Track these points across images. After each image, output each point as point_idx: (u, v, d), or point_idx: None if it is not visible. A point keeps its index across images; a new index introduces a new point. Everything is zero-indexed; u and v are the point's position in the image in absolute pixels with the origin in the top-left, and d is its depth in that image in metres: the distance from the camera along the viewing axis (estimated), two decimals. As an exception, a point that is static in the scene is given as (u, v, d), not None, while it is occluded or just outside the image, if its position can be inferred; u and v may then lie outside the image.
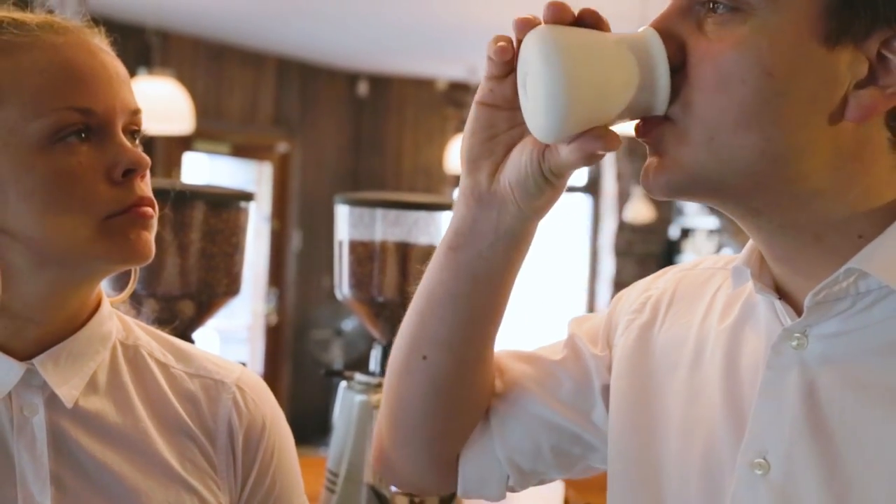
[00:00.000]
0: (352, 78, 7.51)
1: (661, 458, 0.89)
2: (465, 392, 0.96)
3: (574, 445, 0.99)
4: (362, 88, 7.55)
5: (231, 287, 1.60)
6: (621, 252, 7.82)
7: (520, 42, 0.80)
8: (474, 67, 6.40)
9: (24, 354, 0.93)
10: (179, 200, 1.47)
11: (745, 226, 0.82)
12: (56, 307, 0.94)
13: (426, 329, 0.93)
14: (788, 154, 0.76)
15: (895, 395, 0.76)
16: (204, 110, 5.76)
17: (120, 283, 1.11)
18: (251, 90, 6.82)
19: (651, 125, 0.80)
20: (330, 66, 7.23)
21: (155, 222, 0.94)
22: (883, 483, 0.75)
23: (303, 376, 7.03)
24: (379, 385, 1.64)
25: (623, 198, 7.58)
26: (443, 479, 1.00)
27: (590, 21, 0.80)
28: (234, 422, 1.02)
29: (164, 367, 1.02)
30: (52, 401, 0.94)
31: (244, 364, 1.11)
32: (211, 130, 6.41)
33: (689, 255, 7.41)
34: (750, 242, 0.87)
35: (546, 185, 0.84)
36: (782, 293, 0.83)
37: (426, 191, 7.37)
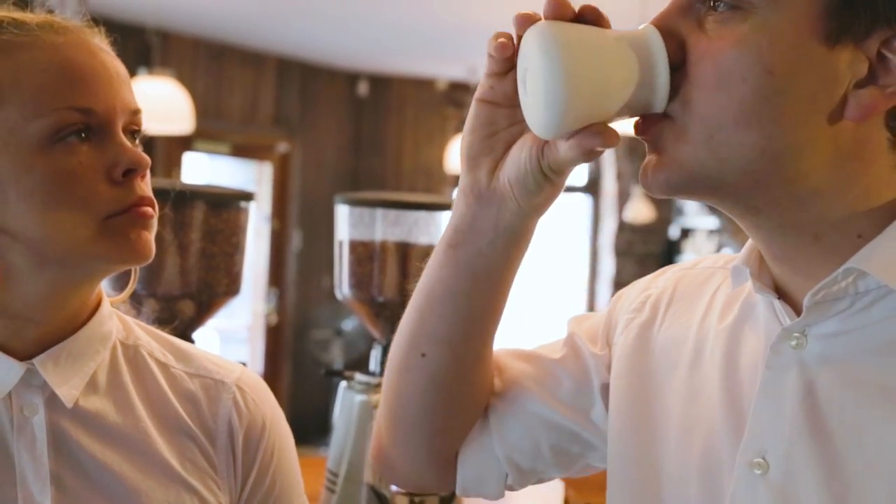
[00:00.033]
0: (352, 78, 7.51)
1: (660, 457, 0.89)
2: (464, 390, 0.96)
3: (573, 444, 0.99)
4: (362, 88, 7.55)
5: (231, 287, 1.60)
6: (621, 252, 7.82)
7: (520, 38, 0.80)
8: (474, 67, 6.40)
9: (24, 354, 0.93)
10: (179, 200, 1.48)
11: (744, 225, 0.82)
12: (56, 307, 0.94)
13: (425, 326, 0.93)
14: (788, 153, 0.76)
15: (894, 394, 0.76)
16: (204, 110, 5.77)
17: (120, 283, 1.11)
18: (251, 90, 6.82)
19: (650, 123, 0.80)
20: (330, 66, 7.23)
21: (155, 222, 0.94)
22: (882, 482, 0.75)
23: (303, 376, 7.03)
24: (379, 385, 1.64)
25: (623, 198, 7.57)
26: (441, 476, 1.00)
27: (590, 17, 0.80)
28: (234, 422, 1.02)
29: (164, 366, 1.02)
30: (52, 401, 0.94)
31: (244, 364, 1.11)
32: (211, 130, 6.41)
33: (689, 255, 7.41)
34: (749, 242, 0.87)
35: (545, 182, 0.84)
36: (781, 293, 0.83)
37: (426, 191, 7.37)
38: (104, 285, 1.01)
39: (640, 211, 7.16)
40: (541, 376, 0.98)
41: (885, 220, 0.77)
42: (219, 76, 6.57)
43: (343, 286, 1.78)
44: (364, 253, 1.74)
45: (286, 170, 7.09)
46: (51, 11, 0.96)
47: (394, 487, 1.53)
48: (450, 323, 0.92)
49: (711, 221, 7.43)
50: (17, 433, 0.92)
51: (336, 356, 6.81)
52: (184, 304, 1.56)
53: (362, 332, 6.42)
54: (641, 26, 0.79)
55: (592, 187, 8.10)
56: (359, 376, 1.72)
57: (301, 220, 7.13)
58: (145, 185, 0.94)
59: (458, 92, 7.34)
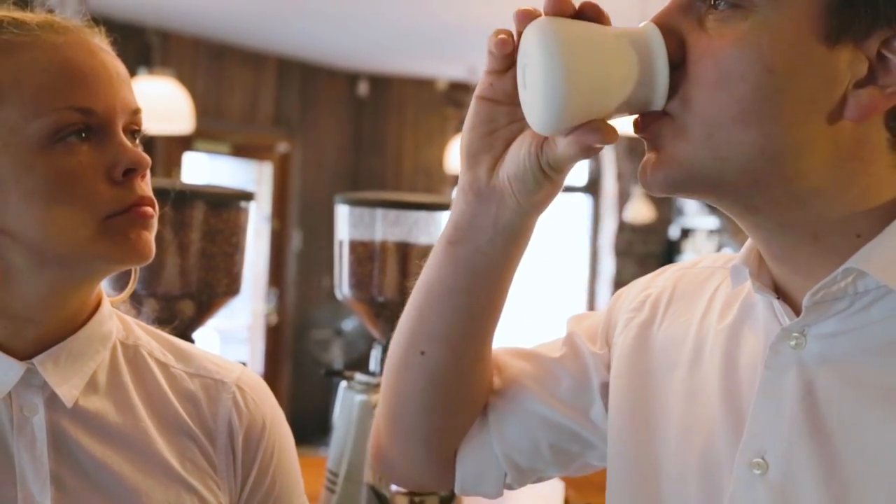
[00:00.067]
0: (352, 78, 7.51)
1: (659, 456, 0.89)
2: (463, 388, 0.96)
3: (572, 443, 0.99)
4: (362, 88, 7.55)
5: (231, 287, 1.60)
6: (621, 252, 7.82)
7: (520, 35, 0.80)
8: (474, 67, 6.40)
9: (24, 354, 0.93)
10: (179, 200, 1.48)
11: (743, 224, 0.82)
12: (56, 307, 0.94)
13: (424, 324, 0.93)
14: (787, 152, 0.76)
15: (893, 394, 0.76)
16: (204, 110, 5.77)
17: (120, 283, 1.11)
18: (251, 90, 6.82)
19: (649, 120, 0.80)
20: (330, 66, 7.23)
21: (155, 222, 0.94)
22: (882, 483, 0.75)
23: (303, 376, 7.03)
24: (379, 385, 1.64)
25: (623, 198, 7.57)
26: (440, 475, 1.00)
27: (590, 14, 0.80)
28: (234, 422, 1.02)
29: (164, 366, 1.02)
30: (52, 400, 0.94)
31: (244, 364, 1.11)
32: (211, 130, 6.41)
33: (690, 256, 7.40)
34: (748, 241, 0.87)
35: (544, 179, 0.84)
36: (781, 292, 0.83)
37: (426, 191, 7.37)
38: (104, 285, 1.01)
39: (641, 211, 7.16)
40: (540, 375, 0.98)
41: (884, 220, 0.77)
42: (219, 76, 6.57)
43: (343, 286, 1.78)
44: (364, 253, 1.74)
45: (286, 170, 7.09)
46: (51, 11, 0.96)
47: (394, 487, 1.53)
48: (449, 321, 0.92)
49: (711, 221, 7.43)
50: (17, 433, 0.92)
51: (336, 356, 6.81)
52: (184, 304, 1.56)
53: (362, 332, 6.42)
54: (642, 24, 0.80)
55: (592, 187, 8.10)
56: (359, 376, 1.72)
57: (301, 220, 7.13)
58: (145, 185, 0.94)
59: (458, 92, 7.34)
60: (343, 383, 1.74)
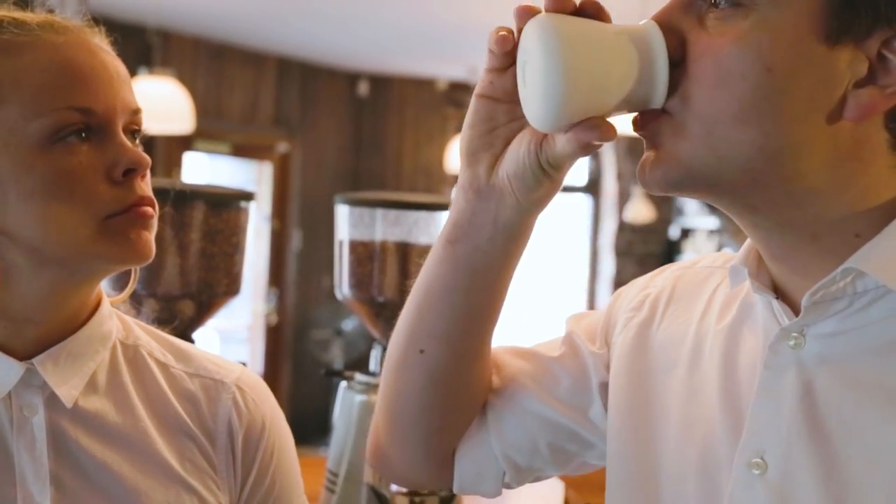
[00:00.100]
0: (352, 78, 7.51)
1: (658, 456, 0.89)
2: (462, 387, 0.96)
3: (571, 442, 0.99)
4: (362, 88, 7.56)
5: (231, 287, 1.60)
6: (621, 252, 7.82)
7: (520, 32, 0.80)
8: (474, 67, 6.40)
9: (23, 354, 0.93)
10: (179, 200, 1.47)
11: (742, 223, 0.82)
12: (56, 307, 0.94)
13: (424, 323, 0.93)
14: (786, 151, 0.76)
15: (893, 394, 0.76)
16: (204, 110, 5.77)
17: (120, 283, 1.11)
18: (251, 90, 6.82)
19: (649, 118, 0.80)
20: (330, 66, 7.23)
21: (155, 222, 0.94)
22: (881, 483, 0.75)
23: (303, 376, 7.03)
24: (378, 385, 1.64)
25: (623, 198, 7.57)
26: (439, 474, 1.00)
27: (591, 11, 0.80)
28: (234, 422, 1.02)
29: (163, 366, 1.02)
30: (52, 401, 0.94)
31: (244, 364, 1.11)
32: (211, 130, 6.41)
33: (690, 255, 7.40)
34: (747, 241, 0.87)
35: (544, 177, 0.84)
36: (780, 292, 0.83)
37: (426, 191, 7.37)
38: (104, 285, 1.01)
39: (641, 211, 7.16)
40: (539, 374, 0.98)
41: (883, 220, 0.77)
42: (219, 76, 6.57)
43: (343, 286, 1.78)
44: (364, 253, 1.74)
45: (286, 170, 7.09)
46: (51, 11, 0.96)
47: (394, 487, 1.53)
48: (448, 319, 0.92)
49: (711, 221, 7.42)
50: (17, 433, 0.92)
51: (336, 356, 6.81)
52: (184, 304, 1.56)
53: (362, 332, 6.42)
54: (642, 22, 0.80)
55: (592, 187, 8.10)
56: (359, 376, 1.72)
57: (301, 220, 7.13)
58: (145, 185, 0.94)
59: (459, 92, 7.34)
60: (343, 383, 1.74)
